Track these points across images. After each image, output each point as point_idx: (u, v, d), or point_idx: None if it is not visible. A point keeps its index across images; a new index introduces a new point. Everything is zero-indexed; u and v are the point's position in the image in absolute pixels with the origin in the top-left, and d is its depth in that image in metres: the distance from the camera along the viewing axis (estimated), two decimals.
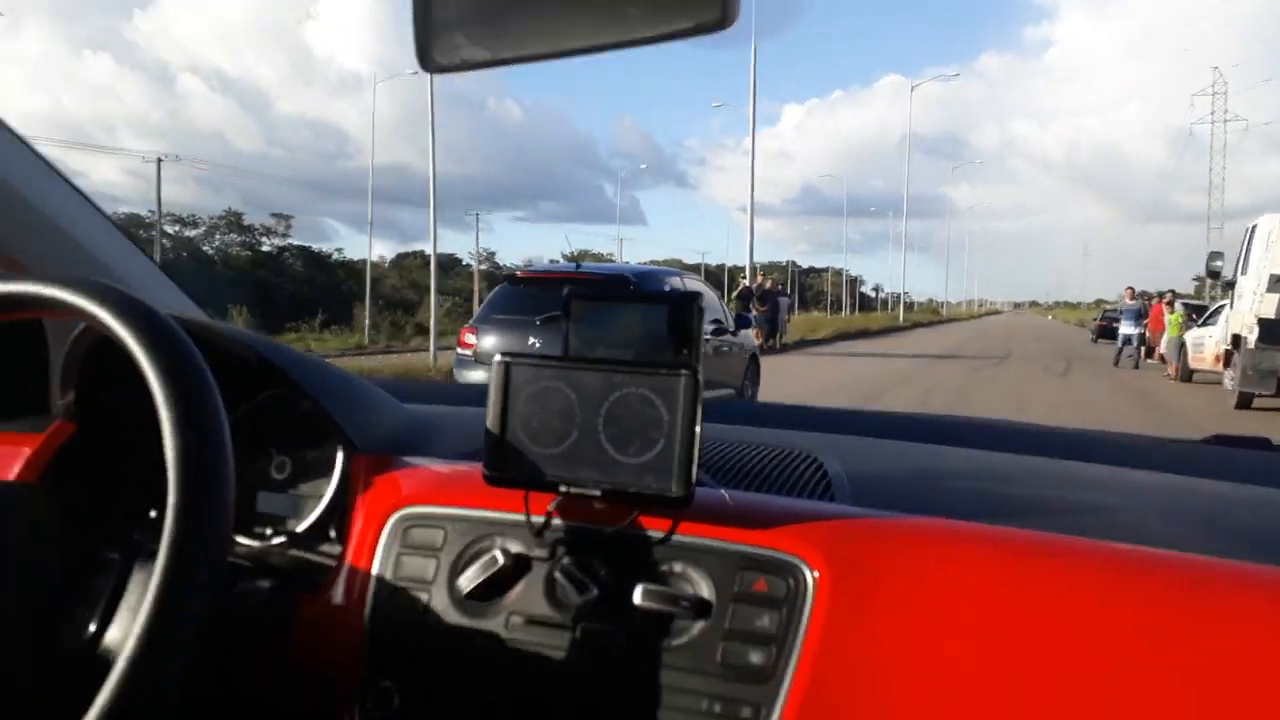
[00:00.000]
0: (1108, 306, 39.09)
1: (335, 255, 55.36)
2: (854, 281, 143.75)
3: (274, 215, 63.00)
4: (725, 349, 9.22)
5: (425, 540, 0.94)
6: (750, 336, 10.31)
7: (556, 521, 0.89)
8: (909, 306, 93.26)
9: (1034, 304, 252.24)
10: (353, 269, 55.48)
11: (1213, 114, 70.84)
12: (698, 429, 0.81)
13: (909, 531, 0.84)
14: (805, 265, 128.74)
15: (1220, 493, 1.09)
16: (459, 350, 8.42)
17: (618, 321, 0.90)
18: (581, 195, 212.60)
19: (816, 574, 0.81)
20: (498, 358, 0.87)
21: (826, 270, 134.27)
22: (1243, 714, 0.66)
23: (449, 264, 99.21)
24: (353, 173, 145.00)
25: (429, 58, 0.71)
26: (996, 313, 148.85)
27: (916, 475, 1.13)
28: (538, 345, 7.24)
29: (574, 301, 0.91)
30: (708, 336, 8.48)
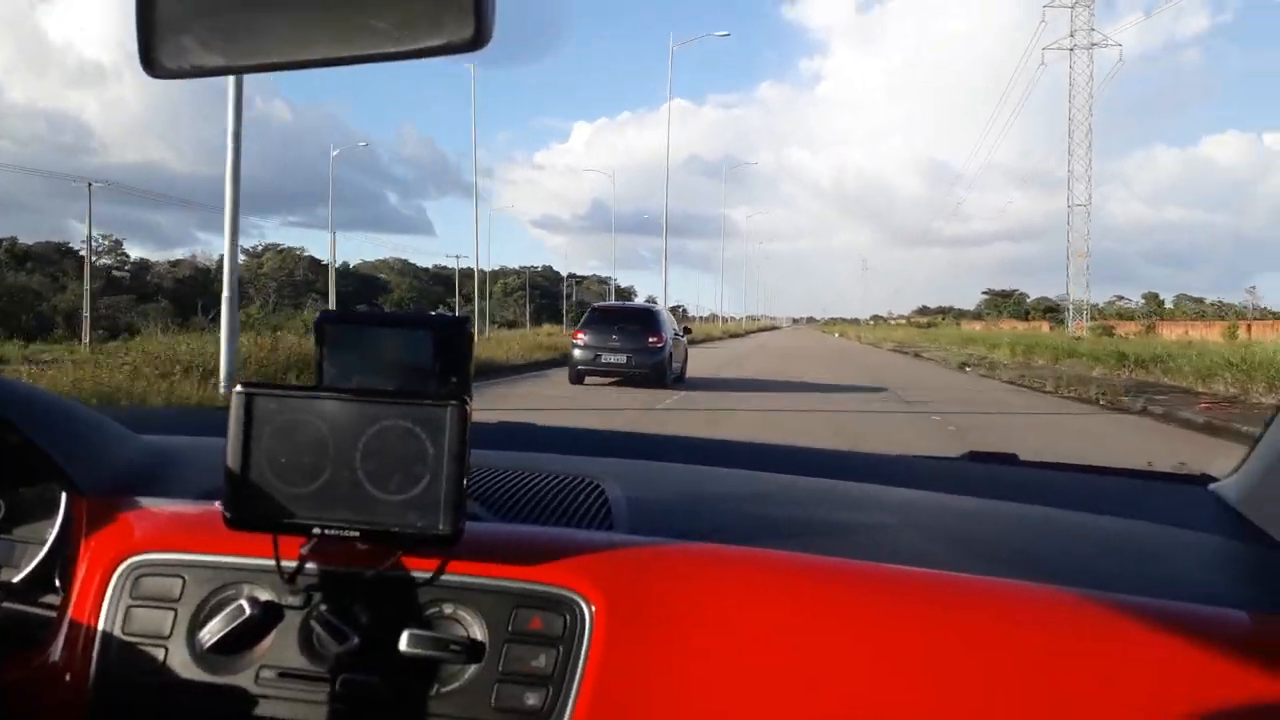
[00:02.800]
0: None
1: None
2: (623, 292, 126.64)
3: None
4: (680, 344, 17.59)
5: (160, 590, 0.87)
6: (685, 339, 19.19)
7: (311, 566, 0.83)
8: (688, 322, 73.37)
9: (810, 319, 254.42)
10: None
11: (1073, 34, 53.66)
12: (467, 463, 0.78)
13: (686, 559, 0.85)
14: (565, 272, 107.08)
15: (972, 509, 1.16)
16: (575, 341, 16.27)
17: (378, 348, 0.86)
18: (362, 201, 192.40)
19: (594, 608, 0.80)
20: (238, 388, 0.80)
21: (589, 278, 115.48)
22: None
23: (53, 255, 71.13)
24: (99, 170, 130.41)
25: (154, 61, 0.65)
26: (774, 328, 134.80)
27: (695, 499, 1.15)
28: (616, 339, 15.73)
29: (326, 326, 0.85)
30: (678, 335, 17.80)
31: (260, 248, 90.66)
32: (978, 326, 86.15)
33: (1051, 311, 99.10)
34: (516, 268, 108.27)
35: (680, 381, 16.99)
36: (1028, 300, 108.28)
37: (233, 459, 0.79)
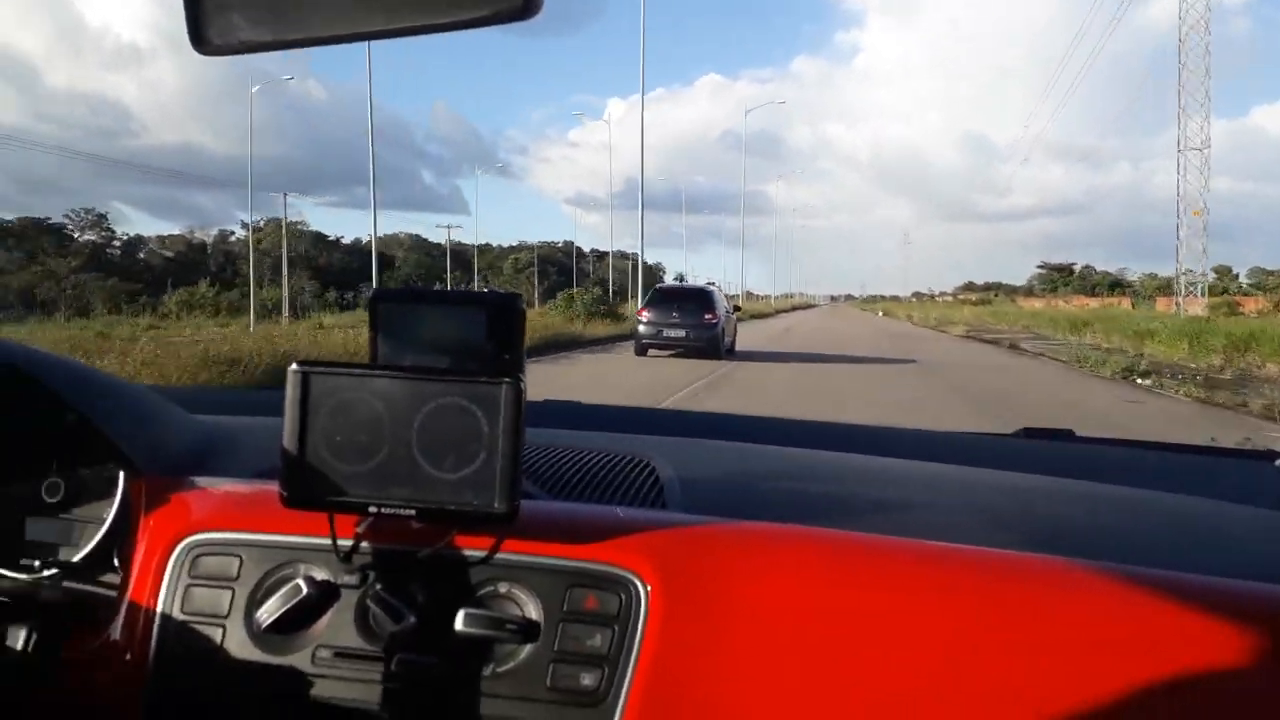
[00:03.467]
0: None
1: None
2: (651, 269, 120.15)
3: None
4: (731, 321, 19.47)
5: (218, 569, 0.87)
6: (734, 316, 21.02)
7: (366, 545, 0.83)
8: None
9: (849, 297, 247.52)
10: None
11: None
12: (521, 440, 0.77)
13: (740, 538, 0.84)
14: (588, 248, 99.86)
15: (1027, 485, 1.15)
16: (640, 318, 18.25)
17: (431, 327, 0.86)
18: (397, 181, 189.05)
19: (649, 587, 0.80)
20: (293, 367, 0.79)
21: (608, 255, 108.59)
22: (1046, 700, 0.71)
23: (30, 231, 65.81)
24: (139, 152, 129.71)
25: (204, 38, 0.65)
26: (811, 305, 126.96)
27: (747, 477, 1.15)
28: (676, 316, 17.47)
29: (380, 304, 0.86)
30: (729, 313, 19.59)
31: (262, 222, 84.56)
32: (1037, 304, 78.11)
33: (1119, 286, 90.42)
34: (535, 243, 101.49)
35: (731, 354, 18.52)
36: (1094, 274, 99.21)
37: (289, 438, 0.78)
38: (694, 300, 18.19)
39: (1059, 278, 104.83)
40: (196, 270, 70.48)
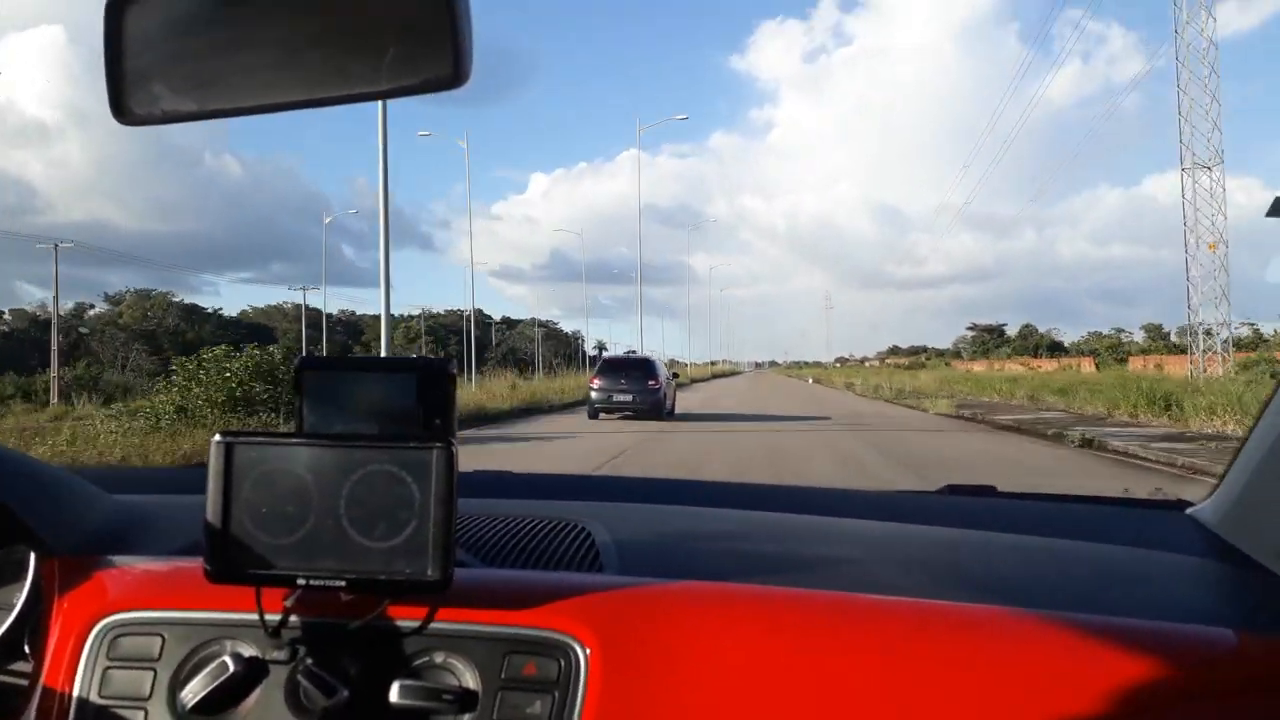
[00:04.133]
0: None
1: None
2: (569, 338, 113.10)
3: None
4: (671, 386, 21.78)
5: (138, 650, 0.84)
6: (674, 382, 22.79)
7: (295, 618, 0.80)
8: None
9: (774, 363, 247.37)
10: None
11: None
12: (454, 506, 0.75)
13: (679, 598, 0.84)
14: (498, 316, 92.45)
15: (956, 539, 1.18)
16: (591, 385, 20.50)
17: (359, 393, 0.84)
18: (318, 256, 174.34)
19: (589, 651, 0.78)
20: (216, 438, 0.77)
21: (524, 322, 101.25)
22: None
23: None
24: (45, 230, 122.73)
25: (125, 108, 0.64)
26: (735, 373, 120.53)
27: (682, 538, 1.15)
28: (624, 383, 19.92)
29: (306, 372, 0.84)
30: (669, 379, 22.01)
31: (126, 293, 74.98)
32: (977, 367, 72.91)
33: (1057, 348, 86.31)
34: (441, 310, 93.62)
35: (672, 415, 21.03)
36: (1035, 334, 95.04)
37: (212, 511, 0.76)
38: (639, 369, 20.73)
39: (990, 339, 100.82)
40: (40, 348, 61.15)
